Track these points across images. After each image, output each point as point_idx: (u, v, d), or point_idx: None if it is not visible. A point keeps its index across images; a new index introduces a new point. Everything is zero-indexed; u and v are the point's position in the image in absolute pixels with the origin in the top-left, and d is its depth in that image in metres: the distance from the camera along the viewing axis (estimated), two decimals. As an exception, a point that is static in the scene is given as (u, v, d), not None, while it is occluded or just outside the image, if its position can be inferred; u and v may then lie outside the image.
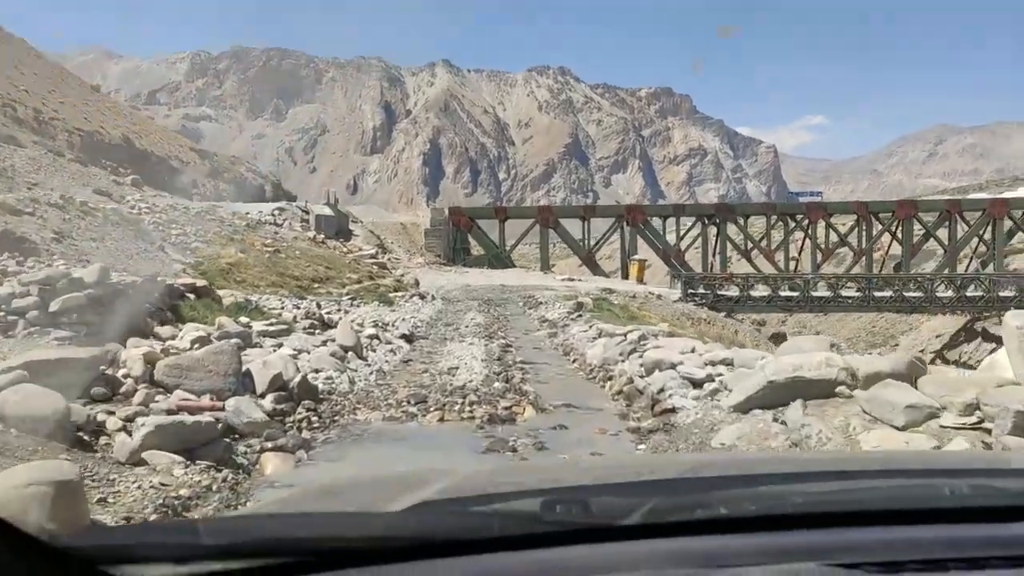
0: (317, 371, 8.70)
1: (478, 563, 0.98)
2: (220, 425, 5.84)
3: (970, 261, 57.23)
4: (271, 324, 10.52)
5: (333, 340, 10.90)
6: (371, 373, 9.84)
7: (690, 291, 38.97)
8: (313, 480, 3.82)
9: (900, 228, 55.61)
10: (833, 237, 56.86)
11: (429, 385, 8.84)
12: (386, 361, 11.31)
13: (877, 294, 40.37)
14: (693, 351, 8.31)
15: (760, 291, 40.03)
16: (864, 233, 55.63)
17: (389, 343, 12.96)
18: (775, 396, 5.80)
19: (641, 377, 8.15)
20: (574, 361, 11.15)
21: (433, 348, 13.42)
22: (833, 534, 1.08)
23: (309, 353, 9.46)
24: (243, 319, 10.58)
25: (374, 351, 11.86)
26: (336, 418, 7.09)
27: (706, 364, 7.56)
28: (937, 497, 1.20)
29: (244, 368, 7.12)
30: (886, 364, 5.99)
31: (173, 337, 9.03)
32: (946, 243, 55.75)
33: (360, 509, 1.34)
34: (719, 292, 39.41)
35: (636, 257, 48.07)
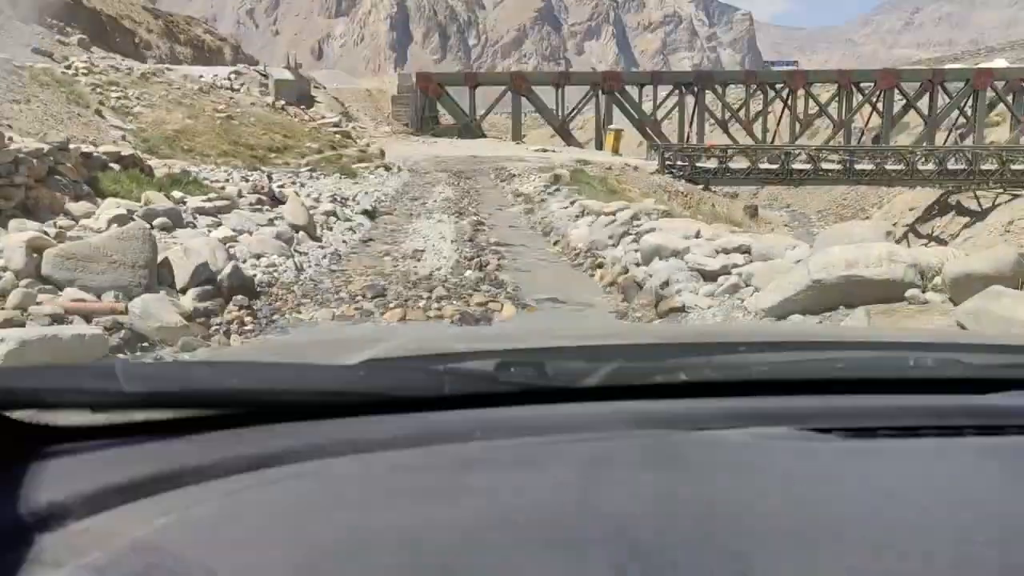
0: (258, 257, 7.39)
1: (425, 420, 0.93)
2: (122, 333, 4.60)
3: (949, 134, 56.03)
4: (209, 200, 9.10)
5: (282, 218, 9.54)
6: (324, 257, 8.54)
7: (668, 163, 37.61)
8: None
9: (881, 99, 54.02)
10: (812, 108, 55.28)
11: (390, 274, 7.55)
12: (343, 242, 10.01)
13: (857, 167, 39.26)
14: (698, 236, 7.01)
15: (739, 163, 38.73)
16: (844, 104, 54.02)
17: (348, 220, 11.60)
18: (822, 299, 4.57)
19: (638, 266, 6.94)
20: (555, 243, 9.87)
21: (398, 226, 12.11)
22: (803, 400, 1.05)
23: (251, 235, 8.10)
24: (176, 194, 9.13)
25: (330, 230, 10.54)
26: (275, 317, 5.86)
27: (718, 252, 6.33)
28: (904, 367, 1.18)
29: (161, 257, 5.82)
30: (984, 263, 4.51)
31: (89, 216, 7.65)
32: (926, 114, 54.50)
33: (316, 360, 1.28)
34: (697, 164, 38.08)
35: (612, 127, 46.23)
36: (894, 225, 60.23)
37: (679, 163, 37.99)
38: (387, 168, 22.61)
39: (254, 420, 0.89)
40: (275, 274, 6.98)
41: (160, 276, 5.70)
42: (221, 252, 6.12)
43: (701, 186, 37.83)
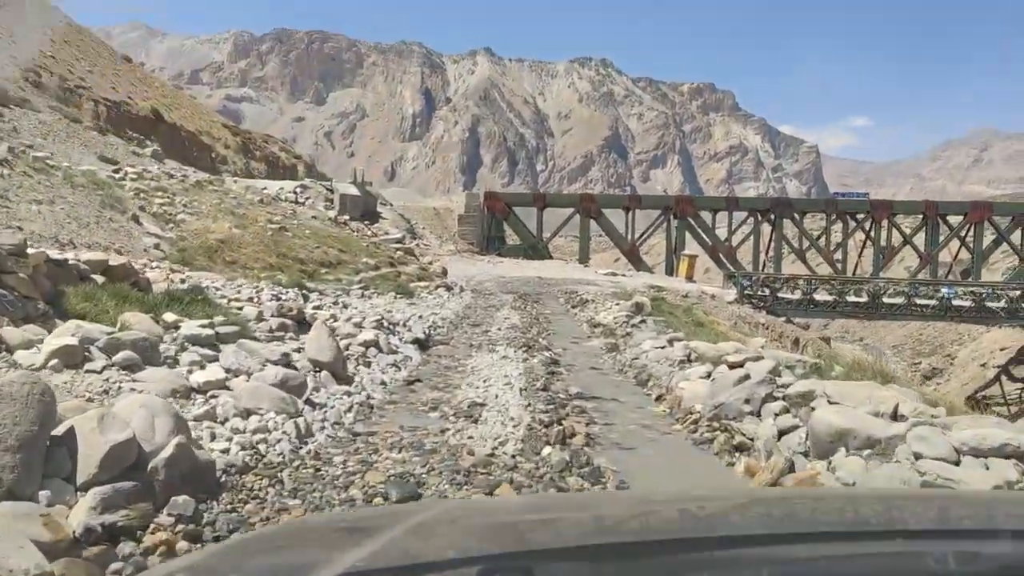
0: (245, 416, 5.12)
1: None
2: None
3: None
4: (212, 325, 6.99)
5: (302, 350, 7.37)
6: (348, 410, 6.25)
7: (747, 292, 35.12)
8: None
9: (971, 232, 51.05)
10: (895, 239, 52.60)
11: (433, 450, 5.18)
12: (381, 383, 7.75)
13: (955, 303, 36.13)
14: (901, 416, 4.50)
15: (823, 295, 36.05)
16: (929, 236, 51.16)
17: (394, 352, 9.38)
18: None
19: (807, 457, 4.43)
20: (658, 399, 7.42)
21: (453, 360, 9.85)
22: None
23: (248, 378, 5.87)
24: (168, 316, 7.05)
25: (367, 366, 8.31)
26: (233, 533, 3.61)
27: (964, 451, 3.81)
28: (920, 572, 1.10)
29: (63, 427, 3.60)
30: None
31: (29, 346, 5.56)
32: (1019, 250, 51.27)
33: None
34: (779, 295, 35.50)
35: (686, 252, 44.10)
36: (983, 366, 56.11)
37: (759, 292, 35.57)
38: (448, 288, 20.64)
39: None
40: (262, 448, 4.66)
41: (54, 461, 3.46)
42: (165, 418, 3.87)
43: (783, 318, 35.18)
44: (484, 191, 56.56)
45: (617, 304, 17.76)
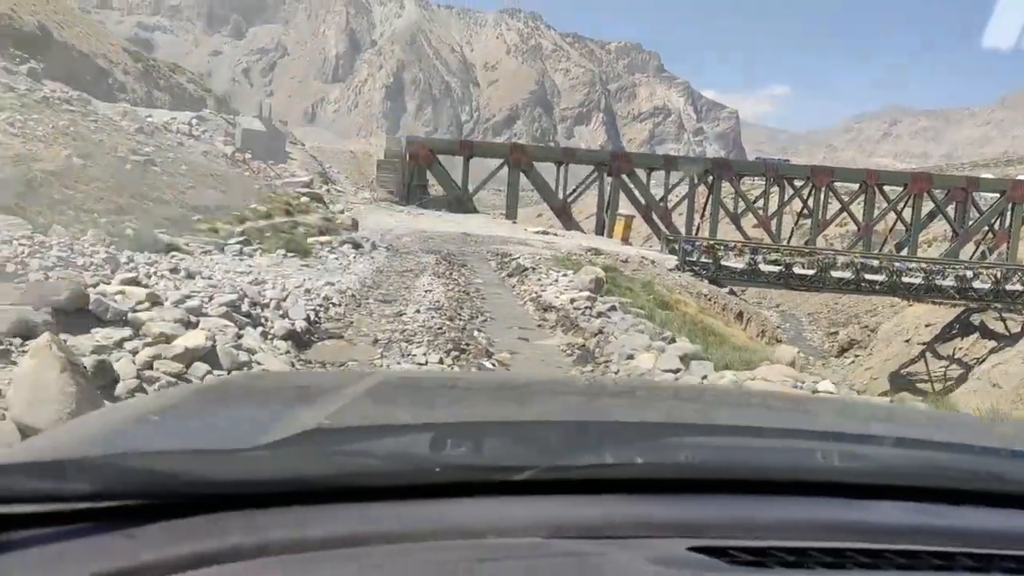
0: None
1: (348, 513, 0.97)
2: None
3: (977, 248, 51.30)
4: None
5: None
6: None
7: (689, 259, 32.32)
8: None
9: (911, 203, 49.44)
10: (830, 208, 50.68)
11: None
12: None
13: (905, 279, 34.17)
14: None
15: (768, 266, 33.52)
16: (867, 206, 49.33)
17: (241, 364, 5.70)
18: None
19: None
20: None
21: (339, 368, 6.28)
22: (702, 507, 1.08)
23: None
24: None
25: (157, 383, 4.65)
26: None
27: None
28: (810, 469, 1.21)
29: None
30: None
31: None
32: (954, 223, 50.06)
33: (246, 428, 1.26)
34: (723, 263, 32.81)
35: (623, 212, 41.03)
36: (907, 341, 55.17)
37: (702, 260, 32.82)
38: (356, 245, 16.86)
39: (189, 510, 0.92)
40: None
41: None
42: None
43: (726, 289, 32.54)
44: (407, 136, 52.31)
45: (564, 275, 14.32)
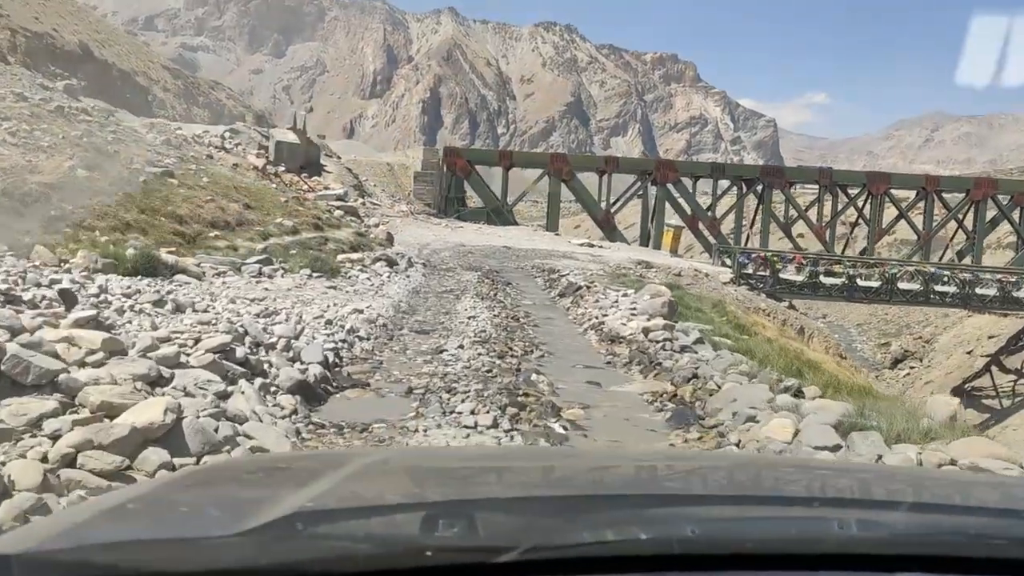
0: None
1: None
2: None
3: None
4: None
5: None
6: None
7: (743, 271, 30.30)
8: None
9: (973, 211, 46.73)
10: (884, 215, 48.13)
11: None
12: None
13: (979, 291, 31.82)
14: None
15: (830, 277, 31.38)
16: (927, 214, 46.72)
17: (219, 439, 4.07)
18: None
19: None
20: None
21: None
22: None
23: None
24: None
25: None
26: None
27: None
28: (823, 539, 1.16)
29: None
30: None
31: None
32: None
33: (226, 514, 1.23)
34: (781, 276, 30.73)
35: (672, 223, 39.08)
36: (968, 353, 52.19)
37: (759, 272, 30.78)
38: (390, 262, 15.25)
39: None
40: None
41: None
42: None
43: (785, 303, 30.49)
44: (444, 147, 50.97)
45: (624, 295, 12.54)
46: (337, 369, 6.49)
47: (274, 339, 6.34)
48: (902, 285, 30.81)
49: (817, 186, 47.39)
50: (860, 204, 47.07)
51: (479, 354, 7.48)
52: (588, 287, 14.00)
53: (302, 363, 5.93)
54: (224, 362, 5.13)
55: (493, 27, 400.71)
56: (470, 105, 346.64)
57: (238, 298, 8.50)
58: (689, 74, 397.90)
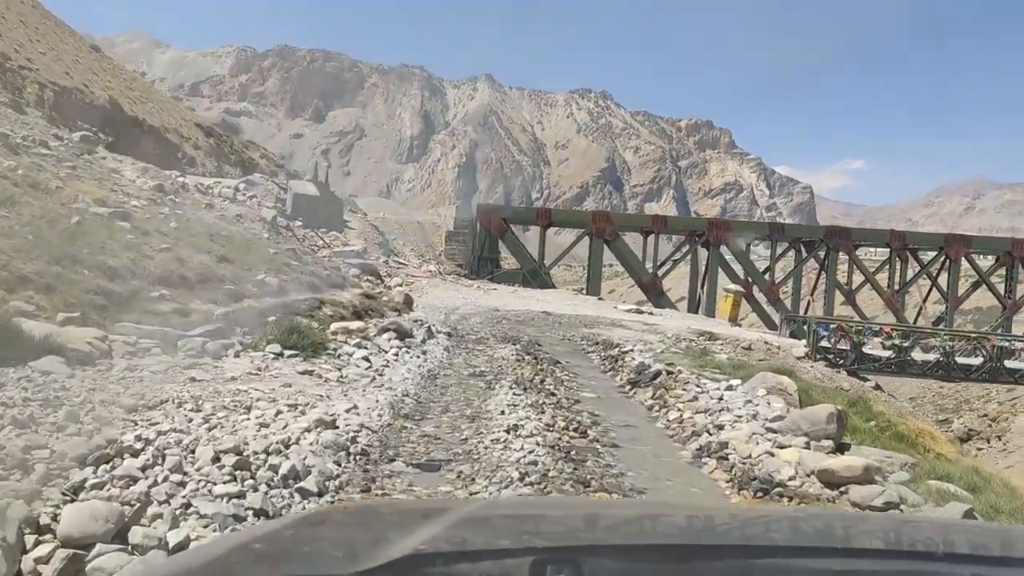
0: None
1: None
2: None
3: None
4: None
5: None
6: None
7: (821, 344, 26.18)
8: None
9: (1060, 278, 42.22)
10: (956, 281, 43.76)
11: None
12: None
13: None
14: None
15: (920, 353, 27.11)
16: (1012, 279, 42.27)
17: None
18: None
19: None
20: None
21: None
22: None
23: None
24: None
25: None
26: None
27: None
28: None
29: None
30: None
31: None
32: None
33: (342, 556, 1.29)
34: (865, 350, 26.52)
35: (731, 288, 35.03)
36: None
37: (838, 346, 26.66)
38: (402, 335, 11.40)
39: None
40: None
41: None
42: None
43: (871, 382, 26.22)
44: (478, 205, 47.75)
45: (729, 387, 8.51)
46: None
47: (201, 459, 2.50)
48: (1009, 364, 26.41)
49: (887, 249, 43.20)
50: (935, 270, 42.85)
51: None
52: (670, 373, 10.09)
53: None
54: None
55: (529, 94, 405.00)
56: (505, 170, 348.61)
57: (113, 402, 4.85)
58: (724, 140, 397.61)
